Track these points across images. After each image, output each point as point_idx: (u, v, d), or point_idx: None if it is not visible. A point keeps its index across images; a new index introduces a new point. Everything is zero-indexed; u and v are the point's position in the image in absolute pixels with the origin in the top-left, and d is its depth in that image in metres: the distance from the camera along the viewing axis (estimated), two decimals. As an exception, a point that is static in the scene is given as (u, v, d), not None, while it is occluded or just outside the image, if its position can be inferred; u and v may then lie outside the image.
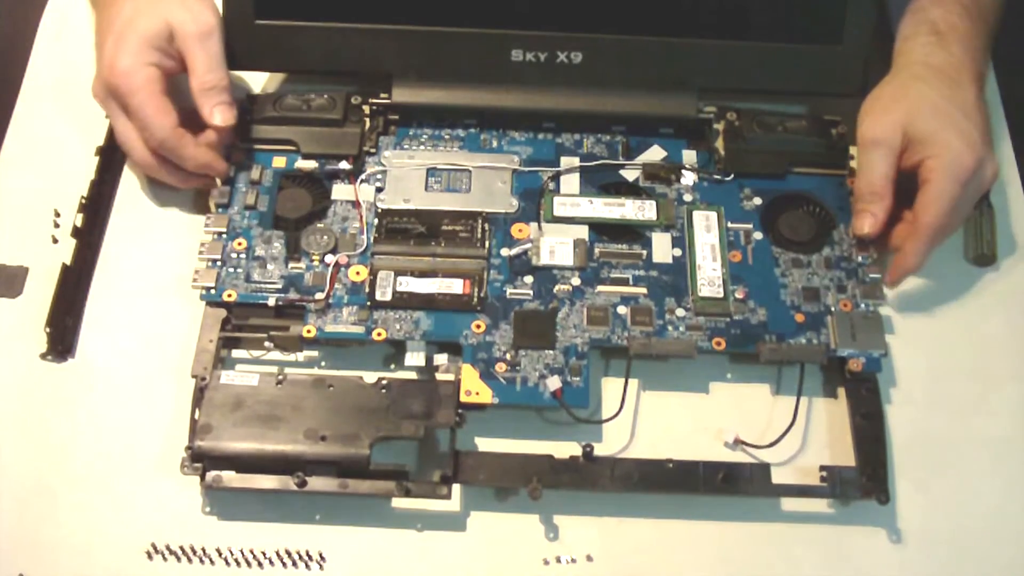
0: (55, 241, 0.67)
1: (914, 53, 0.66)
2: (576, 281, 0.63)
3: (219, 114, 0.64)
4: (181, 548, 0.57)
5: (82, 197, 0.66)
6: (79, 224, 0.66)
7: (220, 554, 0.57)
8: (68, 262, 0.64)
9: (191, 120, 0.65)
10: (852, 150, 0.68)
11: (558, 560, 0.58)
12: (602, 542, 0.58)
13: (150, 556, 0.57)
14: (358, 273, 0.63)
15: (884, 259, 0.65)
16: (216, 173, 0.66)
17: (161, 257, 0.66)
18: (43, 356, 0.63)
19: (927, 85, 0.64)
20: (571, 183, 0.68)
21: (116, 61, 0.63)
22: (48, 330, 0.62)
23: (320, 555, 0.58)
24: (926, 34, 0.66)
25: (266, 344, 0.62)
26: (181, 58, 0.64)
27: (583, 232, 0.65)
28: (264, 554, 0.57)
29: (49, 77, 0.74)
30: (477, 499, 0.59)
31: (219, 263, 0.63)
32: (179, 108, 0.64)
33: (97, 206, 0.67)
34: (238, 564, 0.57)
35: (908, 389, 0.63)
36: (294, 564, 0.57)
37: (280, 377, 0.59)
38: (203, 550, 0.57)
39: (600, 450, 0.59)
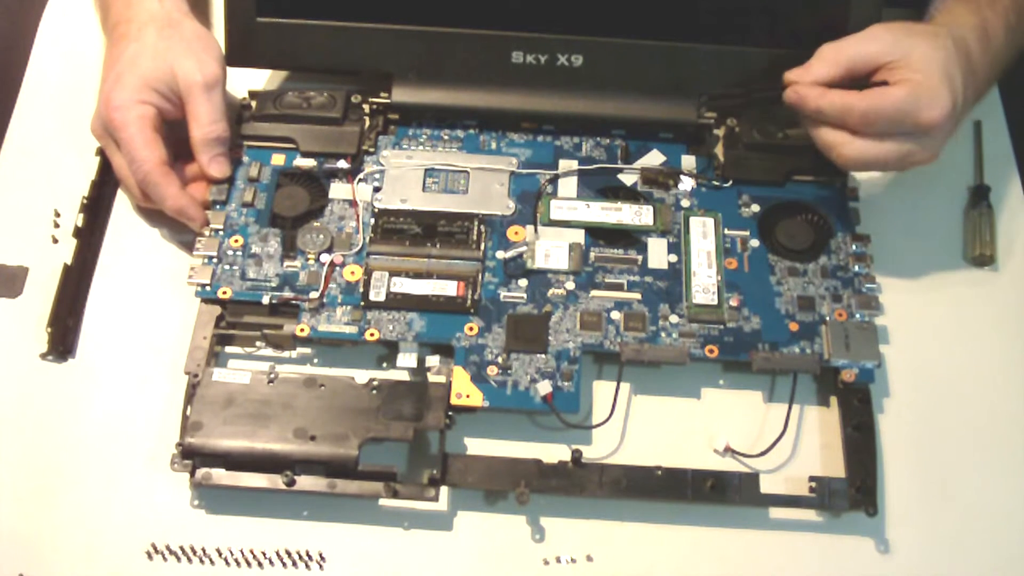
0: (55, 241, 0.67)
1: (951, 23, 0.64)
2: (570, 285, 0.63)
3: (216, 166, 0.65)
4: (181, 548, 0.58)
5: (82, 197, 0.67)
6: (79, 224, 0.66)
7: (220, 554, 0.57)
8: (69, 262, 0.64)
9: (181, 157, 0.65)
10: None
11: (558, 560, 0.58)
12: (592, 545, 0.58)
13: (150, 556, 0.57)
14: (353, 273, 0.63)
15: (880, 270, 0.65)
16: (192, 221, 0.64)
17: (162, 257, 0.66)
18: (43, 356, 0.63)
19: (937, 38, 0.61)
20: (569, 186, 0.67)
21: (112, 97, 0.63)
22: (49, 330, 0.62)
23: (320, 555, 0.58)
24: (972, 27, 0.64)
25: (257, 343, 0.63)
26: (181, 104, 0.64)
27: (579, 236, 0.65)
28: (264, 554, 0.58)
29: (49, 77, 0.74)
30: (472, 500, 0.59)
31: (215, 260, 0.63)
32: (171, 144, 0.64)
33: (97, 206, 0.68)
34: (238, 564, 0.57)
35: (902, 397, 0.63)
36: (294, 564, 0.57)
37: (272, 376, 0.59)
38: (203, 550, 0.58)
39: (590, 455, 0.59)
